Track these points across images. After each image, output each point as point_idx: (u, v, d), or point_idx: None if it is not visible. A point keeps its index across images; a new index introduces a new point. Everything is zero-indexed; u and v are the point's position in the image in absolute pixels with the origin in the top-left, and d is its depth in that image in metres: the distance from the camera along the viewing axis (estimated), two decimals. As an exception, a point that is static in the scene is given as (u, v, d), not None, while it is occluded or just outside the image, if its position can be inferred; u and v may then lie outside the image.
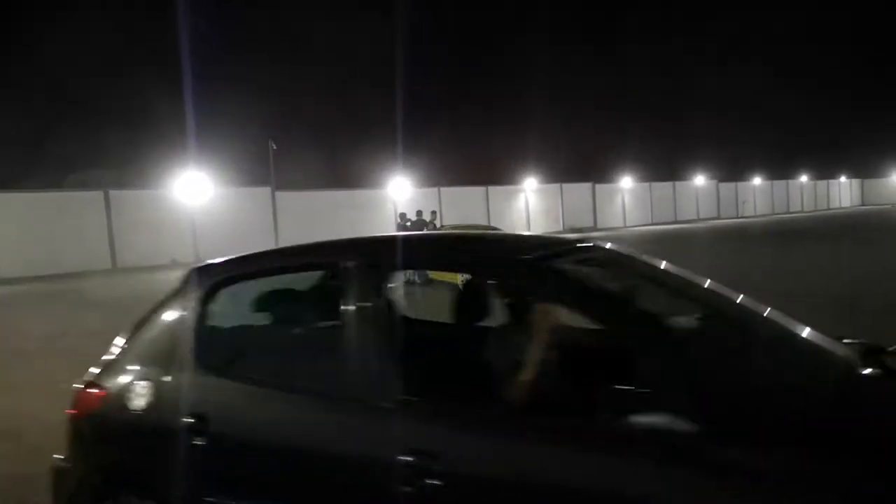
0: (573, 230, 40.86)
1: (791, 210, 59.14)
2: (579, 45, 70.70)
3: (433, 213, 16.55)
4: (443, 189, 35.90)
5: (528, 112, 53.75)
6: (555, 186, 41.66)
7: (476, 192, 37.75)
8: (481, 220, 34.10)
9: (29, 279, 21.08)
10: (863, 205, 68.11)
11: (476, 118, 51.41)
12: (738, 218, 51.97)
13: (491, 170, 40.44)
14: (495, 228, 16.17)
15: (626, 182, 45.66)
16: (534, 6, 70.55)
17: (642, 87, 67.69)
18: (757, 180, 56.83)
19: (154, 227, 25.85)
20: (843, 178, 67.76)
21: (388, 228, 16.42)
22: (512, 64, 67.40)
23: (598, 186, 44.04)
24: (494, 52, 66.57)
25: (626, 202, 45.98)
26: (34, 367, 8.14)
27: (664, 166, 49.44)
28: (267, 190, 29.65)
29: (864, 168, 68.07)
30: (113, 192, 25.77)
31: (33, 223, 23.09)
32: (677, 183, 49.89)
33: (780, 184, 59.13)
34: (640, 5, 76.47)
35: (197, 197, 26.63)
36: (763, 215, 54.59)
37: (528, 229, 38.91)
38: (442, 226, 16.74)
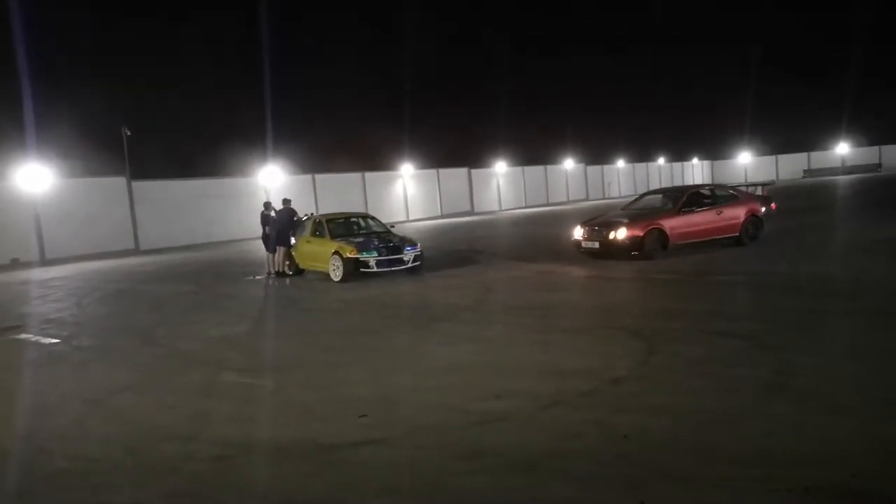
0: (451, 215, 41.20)
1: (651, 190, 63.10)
2: (448, 32, 71.04)
3: (286, 200, 15.31)
4: (317, 176, 34.88)
5: (403, 98, 53.35)
6: (432, 172, 41.74)
7: (353, 178, 37.03)
8: (359, 207, 33.46)
9: None
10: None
11: (351, 105, 50.31)
12: (605, 199, 54.67)
13: (368, 156, 39.76)
14: (369, 216, 15.65)
15: (501, 167, 46.61)
16: (405, -10, 70.03)
17: (511, 75, 69.23)
18: (620, 163, 60.02)
19: (-11, 223, 23.08)
20: (695, 160, 73.08)
21: (258, 217, 15.51)
22: (384, 50, 66.62)
23: (473, 171, 44.63)
24: (365, 38, 65.41)
25: (500, 186, 46.96)
26: None
27: (536, 151, 50.94)
28: (122, 180, 27.36)
29: (713, 151, 73.74)
30: (-65, 186, 22.72)
31: None
32: (548, 167, 51.62)
33: (640, 166, 62.82)
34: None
35: (40, 188, 24.06)
36: (627, 196, 57.80)
37: (407, 215, 38.76)
38: (307, 215, 15.98)
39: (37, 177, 24.01)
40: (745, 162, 70.64)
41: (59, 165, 25.58)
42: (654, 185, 64.26)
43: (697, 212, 13.27)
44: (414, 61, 55.43)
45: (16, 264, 22.95)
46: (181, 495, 3.91)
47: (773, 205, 14.58)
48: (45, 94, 30.99)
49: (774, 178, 60.62)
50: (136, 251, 26.34)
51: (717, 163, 75.73)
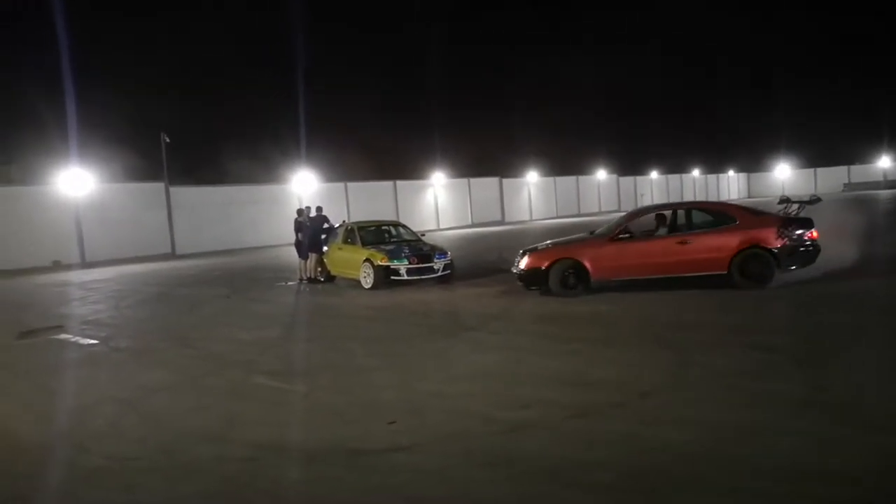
0: (481, 224, 41.24)
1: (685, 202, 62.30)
2: (479, 40, 71.33)
3: (318, 208, 15.58)
4: (350, 184, 35.22)
5: (435, 107, 53.69)
6: (463, 181, 41.85)
7: (384, 186, 37.30)
8: (390, 215, 33.70)
9: None
10: (749, 196, 72.81)
11: (383, 113, 50.83)
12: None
13: (400, 165, 40.08)
14: (400, 224, 15.81)
15: (532, 176, 46.52)
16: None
17: (541, 84, 69.14)
18: (654, 174, 59.44)
19: (34, 226, 23.80)
20: (731, 173, 72.00)
21: (291, 224, 15.75)
22: (416, 58, 67.18)
23: (504, 181, 44.62)
24: (398, 46, 66.10)
25: (532, 196, 46.86)
26: None
27: (568, 161, 50.76)
28: (160, 185, 28.01)
29: (750, 163, 72.57)
30: (-17, 189, 23.54)
31: None
32: (580, 177, 51.36)
33: (674, 177, 62.15)
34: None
35: (82, 193, 24.77)
36: (660, 207, 57.26)
37: (437, 224, 38.91)
38: (343, 222, 16.16)
39: (78, 181, 24.71)
40: (783, 175, 69.33)
41: (100, 170, 26.29)
42: (688, 198, 63.35)
43: (643, 240, 10.64)
44: (446, 71, 55.78)
45: (57, 266, 23.60)
46: (213, 496, 4.00)
47: (811, 233, 10.28)
48: (87, 101, 31.98)
49: (814, 191, 59.20)
50: (173, 255, 26.90)
51: (754, 175, 74.46)
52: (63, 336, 9.85)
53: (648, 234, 10.87)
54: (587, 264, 10.51)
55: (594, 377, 6.05)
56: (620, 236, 10.58)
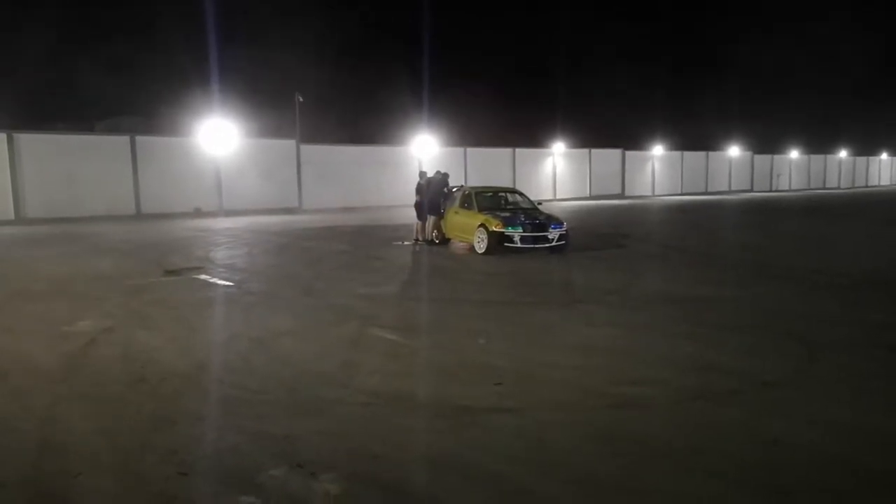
0: (600, 197, 40.19)
1: (827, 186, 57.42)
2: (610, 6, 68.25)
3: (445, 174, 15.76)
4: (469, 149, 35.35)
5: (559, 74, 52.32)
6: (583, 151, 40.81)
7: (503, 153, 37.13)
8: (507, 182, 33.61)
9: (51, 221, 21.38)
10: (904, 183, 66.10)
11: (506, 79, 50.21)
12: (771, 191, 50.63)
13: (520, 132, 39.58)
14: (517, 191, 15.75)
15: (658, 150, 44.55)
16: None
17: (676, 52, 65.38)
18: (794, 154, 55.08)
19: (179, 174, 25.89)
20: (884, 156, 65.40)
21: (410, 185, 16.13)
22: (542, 25, 65.49)
23: (627, 153, 43.05)
24: (525, 11, 64.65)
25: (655, 170, 44.95)
26: (37, 309, 8.17)
27: (697, 135, 47.98)
28: (292, 142, 29.46)
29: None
30: (139, 138, 25.79)
31: (59, 165, 23.26)
32: (710, 153, 48.55)
33: (817, 158, 57.28)
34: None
35: (223, 146, 26.56)
36: (798, 190, 53.15)
37: (554, 194, 38.34)
38: (460, 186, 16.30)
39: (221, 134, 26.49)
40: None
41: (240, 125, 28.03)
42: (832, 182, 58.27)
43: None
44: (571, 37, 54.11)
45: (198, 213, 25.60)
46: (329, 434, 4.27)
47: None
48: (231, 63, 34.06)
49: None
50: (299, 209, 28.37)
51: (912, 160, 67.19)
52: (202, 276, 10.73)
53: None
54: None
55: (713, 362, 5.82)
56: None
